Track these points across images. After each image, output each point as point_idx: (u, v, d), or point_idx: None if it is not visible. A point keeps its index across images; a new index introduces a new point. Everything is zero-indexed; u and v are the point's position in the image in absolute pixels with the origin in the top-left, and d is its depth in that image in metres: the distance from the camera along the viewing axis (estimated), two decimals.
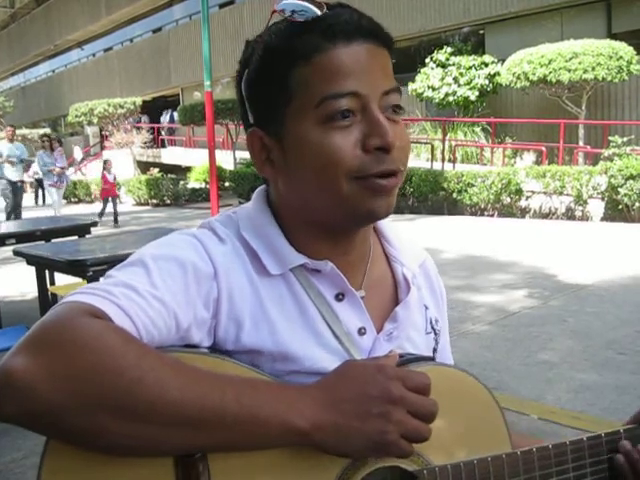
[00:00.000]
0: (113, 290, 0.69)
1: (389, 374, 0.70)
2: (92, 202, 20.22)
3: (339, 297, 0.83)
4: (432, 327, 0.94)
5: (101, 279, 0.75)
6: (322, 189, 0.78)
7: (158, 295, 0.71)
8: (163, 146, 23.18)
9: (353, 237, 0.84)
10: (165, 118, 25.18)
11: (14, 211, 11.21)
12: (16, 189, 11.17)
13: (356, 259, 0.86)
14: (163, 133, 24.18)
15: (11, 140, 11.33)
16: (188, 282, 0.74)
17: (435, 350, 0.94)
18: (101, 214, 13.11)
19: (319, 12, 0.76)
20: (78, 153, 26.74)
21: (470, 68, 14.23)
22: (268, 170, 0.83)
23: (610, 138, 10.64)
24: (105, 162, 13.68)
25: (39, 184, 23.29)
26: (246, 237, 0.82)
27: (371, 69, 0.77)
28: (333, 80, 0.75)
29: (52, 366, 0.60)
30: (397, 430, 0.68)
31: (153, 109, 25.72)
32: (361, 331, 0.83)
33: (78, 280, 3.77)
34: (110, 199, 13.14)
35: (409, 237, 0.98)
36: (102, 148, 25.05)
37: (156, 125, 24.20)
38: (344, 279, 0.82)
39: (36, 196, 22.98)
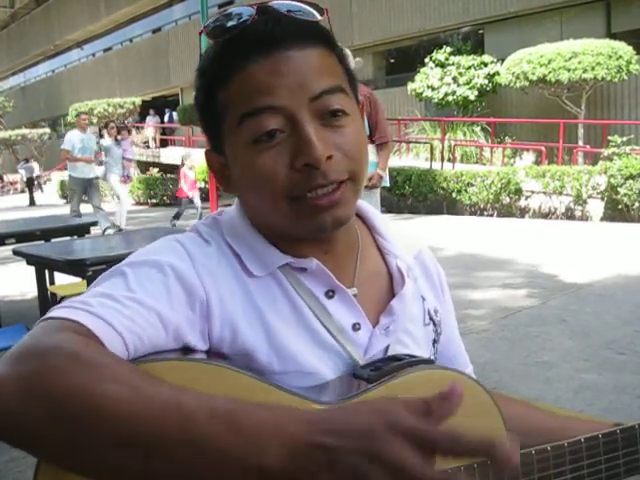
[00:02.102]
0: (89, 301, 0.69)
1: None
2: None
3: (329, 294, 0.82)
4: (431, 318, 0.93)
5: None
6: (264, 208, 0.79)
7: (135, 297, 0.71)
8: (162, 146, 23.16)
9: (333, 236, 0.83)
10: (152, 119, 24.70)
11: (77, 212, 9.39)
12: (91, 187, 9.54)
13: (342, 256, 0.86)
14: (148, 134, 23.79)
15: (84, 129, 9.63)
16: (169, 284, 0.74)
17: (436, 341, 0.93)
18: (182, 214, 11.31)
19: (253, 12, 0.76)
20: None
21: (469, 68, 14.23)
22: (227, 187, 0.85)
23: (609, 138, 10.64)
24: (184, 158, 12.00)
25: (30, 183, 23.06)
26: (230, 241, 0.82)
27: (290, 78, 0.74)
28: (249, 97, 0.74)
29: (22, 379, 0.58)
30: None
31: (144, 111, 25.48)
32: (355, 327, 0.83)
33: (78, 280, 3.77)
34: (189, 197, 11.57)
35: (404, 228, 0.97)
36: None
37: (144, 125, 24.02)
38: (331, 276, 0.82)
39: (30, 196, 22.76)
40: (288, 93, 0.74)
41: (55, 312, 0.68)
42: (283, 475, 0.54)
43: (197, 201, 11.83)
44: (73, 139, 9.43)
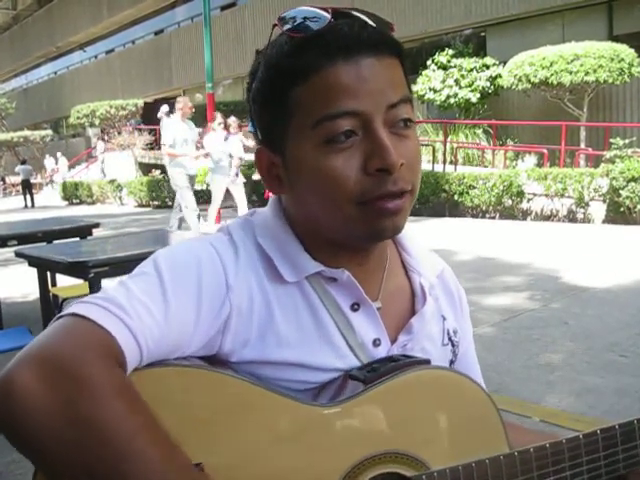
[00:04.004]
0: (127, 307, 0.68)
1: None
2: (93, 203, 20.27)
3: (354, 307, 0.81)
4: (450, 339, 0.92)
5: (118, 280, 0.74)
6: (325, 212, 0.76)
7: (168, 316, 0.70)
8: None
9: (370, 248, 0.83)
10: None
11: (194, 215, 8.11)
12: (193, 185, 8.27)
13: (373, 269, 0.85)
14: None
15: (185, 117, 8.02)
16: (202, 301, 0.73)
17: (452, 362, 0.93)
18: None
19: (328, 17, 0.74)
20: (63, 164, 26.07)
21: (471, 70, 14.24)
22: (276, 187, 0.82)
23: (611, 140, 10.64)
24: None
25: (26, 185, 22.85)
26: (262, 244, 0.80)
27: (373, 84, 0.73)
28: (329, 100, 0.73)
29: (53, 403, 0.59)
30: None
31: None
32: (376, 342, 0.82)
33: (79, 281, 3.77)
34: None
35: (427, 247, 0.96)
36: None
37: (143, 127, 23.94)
38: (360, 289, 0.81)
39: (24, 198, 22.61)
40: (369, 98, 0.73)
41: (86, 309, 0.67)
42: None
43: None
44: (174, 131, 7.93)
